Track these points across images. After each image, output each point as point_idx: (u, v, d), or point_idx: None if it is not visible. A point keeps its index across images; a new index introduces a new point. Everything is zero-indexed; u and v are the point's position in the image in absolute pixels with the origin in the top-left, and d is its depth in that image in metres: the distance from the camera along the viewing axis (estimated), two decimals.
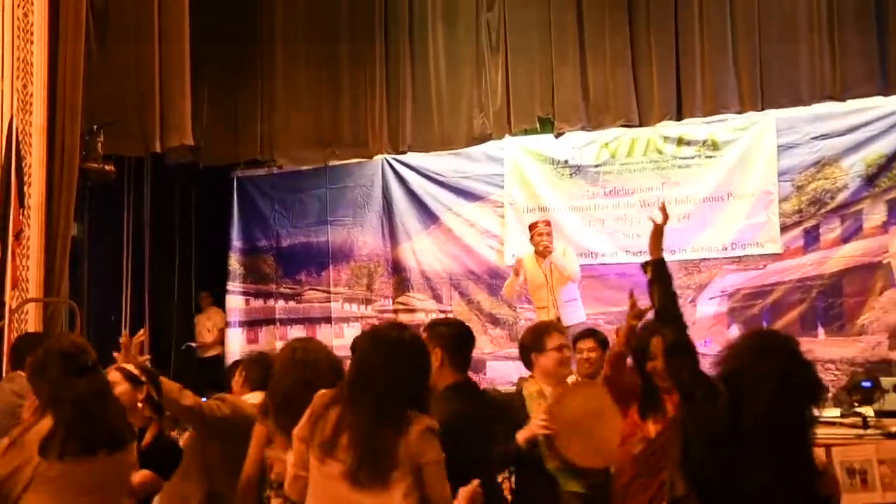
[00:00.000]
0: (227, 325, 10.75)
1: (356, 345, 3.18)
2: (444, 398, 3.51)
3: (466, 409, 3.50)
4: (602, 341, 5.78)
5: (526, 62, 9.12)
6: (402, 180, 10.42)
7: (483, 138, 9.35)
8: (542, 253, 7.88)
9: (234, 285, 10.96)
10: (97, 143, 7.98)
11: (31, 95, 7.55)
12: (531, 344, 4.49)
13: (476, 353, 6.97)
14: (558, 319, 7.68)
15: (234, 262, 10.99)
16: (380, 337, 3.15)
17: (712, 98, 8.57)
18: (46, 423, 3.39)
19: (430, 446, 2.97)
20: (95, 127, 7.96)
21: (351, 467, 2.92)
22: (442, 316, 10.20)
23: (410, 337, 3.15)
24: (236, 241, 11.01)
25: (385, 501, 2.90)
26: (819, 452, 5.44)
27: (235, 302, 10.96)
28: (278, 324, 10.84)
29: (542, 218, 8.69)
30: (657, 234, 3.39)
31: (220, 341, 10.59)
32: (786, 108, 8.74)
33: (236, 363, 5.27)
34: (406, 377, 3.04)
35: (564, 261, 7.90)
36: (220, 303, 10.85)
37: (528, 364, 4.52)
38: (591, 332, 6.00)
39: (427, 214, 10.34)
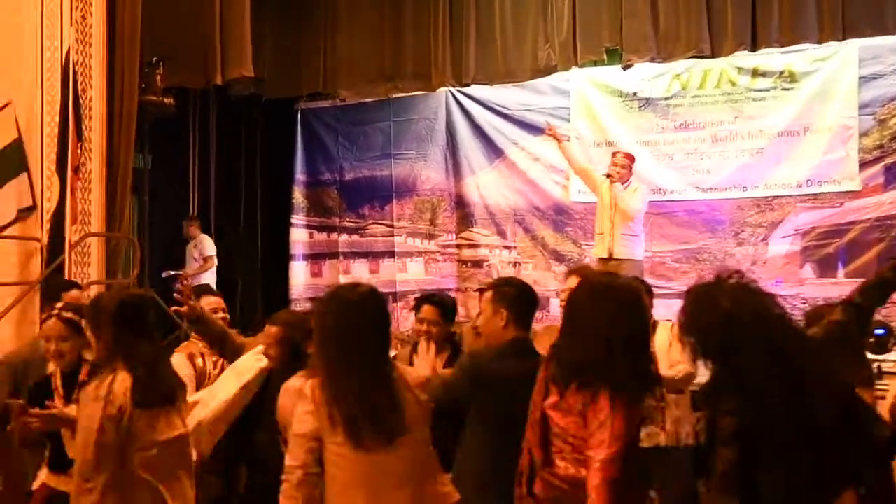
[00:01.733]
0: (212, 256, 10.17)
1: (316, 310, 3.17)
2: (501, 354, 3.50)
3: (522, 365, 3.38)
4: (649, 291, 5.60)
5: None
6: (466, 113, 10.22)
7: (548, 70, 9.05)
8: (611, 179, 7.68)
9: (297, 218, 10.97)
10: (157, 75, 7.97)
11: (91, 27, 7.53)
12: None
13: (540, 291, 6.87)
14: (609, 250, 7.55)
15: (298, 195, 10.99)
16: (337, 298, 3.10)
17: (790, 27, 8.11)
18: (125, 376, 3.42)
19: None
20: (155, 59, 7.94)
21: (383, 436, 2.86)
22: (506, 251, 10.09)
23: (363, 295, 3.07)
24: (300, 174, 10.99)
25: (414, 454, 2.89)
26: (884, 406, 5.27)
27: (299, 235, 10.99)
28: (341, 257, 10.82)
29: (616, 150, 8.45)
30: None
31: (207, 270, 10.10)
32: (869, 38, 8.25)
33: None
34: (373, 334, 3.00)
35: (626, 194, 7.68)
36: (209, 230, 10.55)
37: None
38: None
39: (491, 148, 10.15)
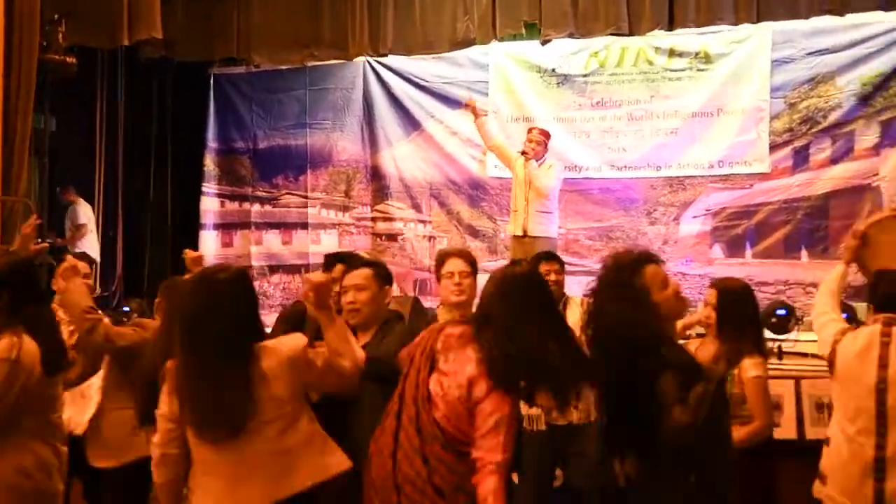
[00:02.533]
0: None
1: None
2: None
3: None
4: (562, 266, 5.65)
5: None
6: (384, 84, 10.06)
7: (467, 42, 8.97)
8: (526, 156, 7.65)
9: (208, 186, 10.69)
10: (59, 33, 7.64)
11: None
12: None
13: None
14: (524, 228, 7.54)
15: (210, 163, 10.69)
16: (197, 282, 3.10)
17: (707, 8, 8.17)
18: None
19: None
20: (57, 16, 7.61)
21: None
22: (421, 225, 10.01)
23: (223, 281, 3.02)
24: (212, 142, 10.69)
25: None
26: (789, 385, 5.37)
27: (210, 204, 10.70)
28: (253, 228, 10.60)
29: (532, 126, 8.42)
30: None
31: (80, 238, 9.76)
32: (783, 21, 8.36)
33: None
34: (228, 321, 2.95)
35: (540, 172, 7.67)
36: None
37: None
38: (553, 256, 5.84)
39: (409, 120, 10.02)
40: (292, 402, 2.93)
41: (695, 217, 9.02)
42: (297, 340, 3.02)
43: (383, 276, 3.76)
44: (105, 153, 10.22)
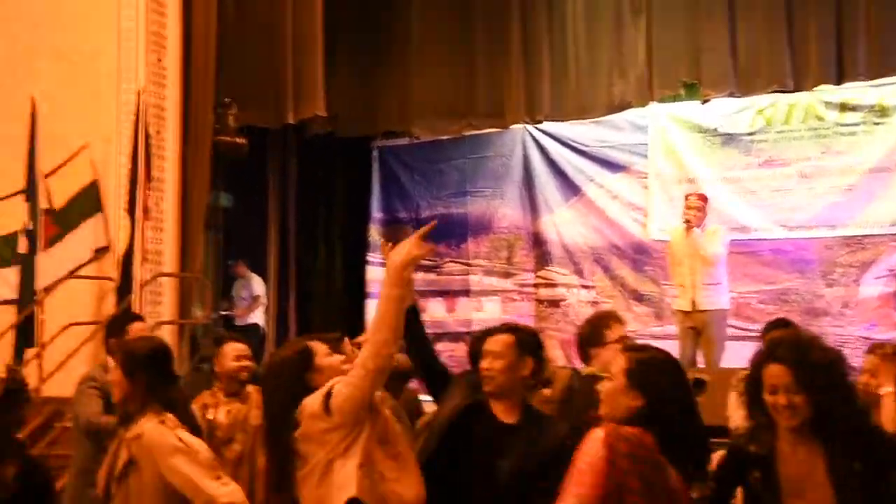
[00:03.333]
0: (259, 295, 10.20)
1: None
2: None
3: None
4: None
5: (669, 22, 8.48)
6: (542, 150, 10.06)
7: (623, 106, 8.84)
8: (687, 226, 7.35)
9: (374, 256, 10.92)
10: (229, 116, 8.06)
11: (165, 69, 7.66)
12: (588, 337, 4.16)
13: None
14: (693, 302, 7.20)
15: (375, 234, 10.95)
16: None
17: (878, 59, 7.74)
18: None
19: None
20: (228, 100, 8.03)
21: None
22: (584, 290, 9.85)
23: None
24: (376, 212, 10.95)
25: None
26: None
27: (376, 273, 10.90)
28: (417, 296, 10.66)
29: (691, 191, 8.16)
30: None
31: (255, 310, 10.15)
32: None
33: None
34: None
35: (705, 240, 7.33)
36: (259, 270, 10.47)
37: (585, 358, 4.21)
38: None
39: (568, 185, 9.95)
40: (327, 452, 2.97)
41: (877, 278, 8.48)
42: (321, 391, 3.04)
43: (525, 343, 3.63)
44: (277, 227, 10.65)
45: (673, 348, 4.25)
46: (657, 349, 2.91)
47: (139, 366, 3.44)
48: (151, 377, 3.44)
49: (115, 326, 5.05)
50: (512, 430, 3.36)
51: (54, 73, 7.31)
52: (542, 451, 3.25)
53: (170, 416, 3.37)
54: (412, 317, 3.39)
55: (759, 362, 2.77)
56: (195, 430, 3.48)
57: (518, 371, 3.43)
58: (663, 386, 2.69)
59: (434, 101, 9.57)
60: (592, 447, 2.58)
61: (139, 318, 5.71)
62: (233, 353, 4.44)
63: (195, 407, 4.26)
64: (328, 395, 2.93)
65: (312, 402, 2.96)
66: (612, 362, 2.86)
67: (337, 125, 9.64)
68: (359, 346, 3.54)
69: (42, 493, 3.58)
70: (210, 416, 4.30)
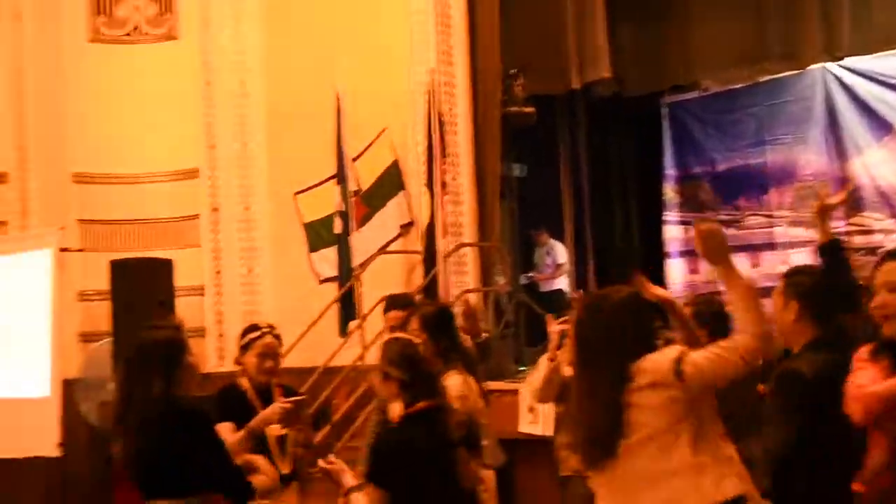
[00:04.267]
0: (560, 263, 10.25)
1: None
2: (803, 357, 3.10)
3: (832, 357, 2.99)
4: None
5: None
6: (847, 88, 9.41)
7: None
8: None
9: (670, 214, 10.74)
10: (517, 86, 8.22)
11: (452, 48, 7.96)
12: None
13: None
14: None
15: (670, 191, 10.75)
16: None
17: None
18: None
19: None
20: (514, 70, 8.20)
21: None
22: None
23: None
24: (670, 170, 10.74)
25: None
26: None
27: (673, 232, 10.74)
28: None
29: None
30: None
31: (558, 277, 10.19)
32: None
33: None
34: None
35: None
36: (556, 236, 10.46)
37: None
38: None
39: (879, 124, 9.29)
40: (669, 422, 2.70)
41: None
42: (666, 355, 2.77)
43: None
44: (570, 192, 10.75)
45: None
46: None
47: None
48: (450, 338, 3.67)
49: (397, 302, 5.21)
50: None
51: (354, 62, 7.81)
52: None
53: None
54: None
55: None
56: None
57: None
58: None
59: (722, 48, 9.20)
60: None
61: (411, 303, 5.88)
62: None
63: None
64: (678, 360, 2.69)
65: (657, 366, 2.71)
66: None
67: (623, 85, 9.55)
68: None
69: None
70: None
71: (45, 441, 7.04)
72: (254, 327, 4.14)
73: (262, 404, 3.94)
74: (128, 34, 8.53)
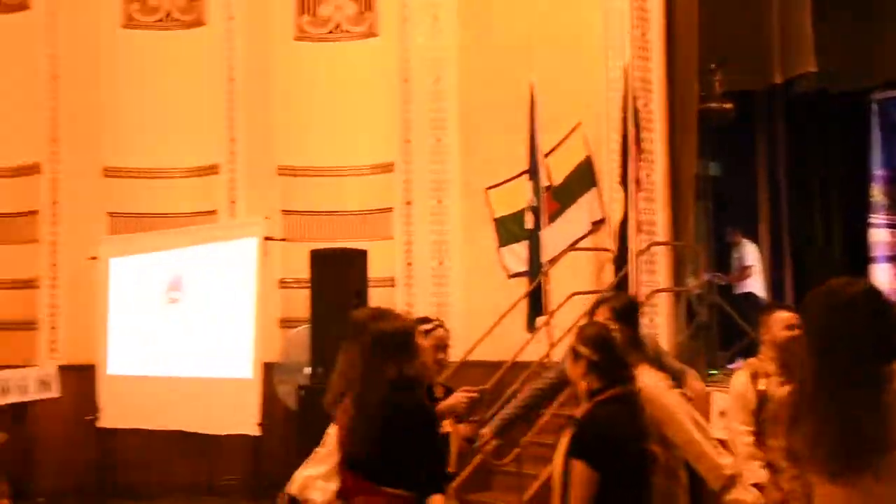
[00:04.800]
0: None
1: None
2: None
3: None
4: None
5: None
6: None
7: None
8: None
9: (877, 217, 10.11)
10: (715, 81, 7.98)
11: (649, 42, 7.80)
12: None
13: None
14: None
15: (877, 193, 10.12)
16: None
17: None
18: None
19: None
20: (712, 65, 7.96)
21: None
22: None
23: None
24: (878, 170, 10.11)
25: None
26: None
27: (880, 235, 10.10)
28: None
29: None
30: None
31: (745, 278, 9.74)
32: None
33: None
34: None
35: None
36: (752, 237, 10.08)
37: None
38: None
39: None
40: None
41: None
42: None
43: None
44: (767, 192, 10.34)
45: None
46: None
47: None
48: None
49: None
50: None
51: (548, 57, 7.80)
52: None
53: None
54: None
55: None
56: None
57: None
58: None
59: None
60: None
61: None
62: (781, 322, 4.21)
63: (746, 373, 4.27)
64: None
65: None
66: None
67: (828, 80, 9.06)
68: None
69: None
70: (762, 386, 4.19)
71: (245, 420, 7.44)
72: (426, 319, 4.20)
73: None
74: (330, 32, 8.86)
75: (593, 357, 3.24)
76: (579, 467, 3.07)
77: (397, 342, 3.26)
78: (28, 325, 8.78)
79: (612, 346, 3.30)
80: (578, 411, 3.28)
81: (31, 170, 8.82)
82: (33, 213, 8.82)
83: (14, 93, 8.81)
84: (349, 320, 3.48)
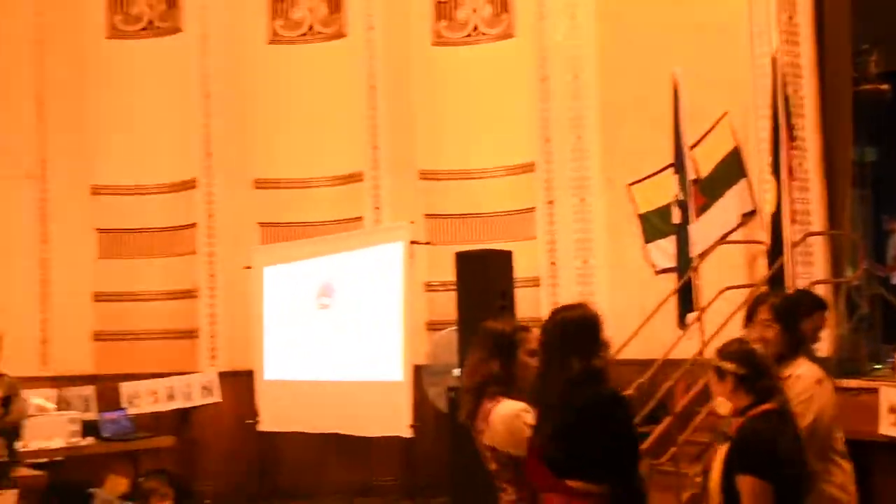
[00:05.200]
0: None
1: None
2: None
3: None
4: None
5: None
6: None
7: None
8: None
9: None
10: (869, 62, 7.62)
11: (798, 26, 7.50)
12: None
13: None
14: None
15: None
16: None
17: None
18: None
19: None
20: (866, 46, 7.60)
21: None
22: None
23: None
24: None
25: None
26: None
27: None
28: None
29: None
30: None
31: None
32: None
33: None
34: None
35: None
36: None
37: None
38: None
39: None
40: None
41: None
42: None
43: None
44: None
45: None
46: None
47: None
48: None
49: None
50: None
51: (690, 47, 7.61)
52: None
53: None
54: None
55: None
56: None
57: None
58: None
59: None
60: None
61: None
62: None
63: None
64: None
65: None
66: None
67: None
68: None
69: None
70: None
71: (398, 422, 7.54)
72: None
73: None
74: (468, 35, 8.93)
75: (740, 372, 3.19)
76: (750, 482, 3.00)
77: (578, 333, 3.18)
78: (189, 334, 9.17)
79: (756, 359, 3.25)
80: (731, 427, 3.21)
81: (188, 185, 9.23)
82: (191, 226, 9.23)
83: (170, 112, 9.24)
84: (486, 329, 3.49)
